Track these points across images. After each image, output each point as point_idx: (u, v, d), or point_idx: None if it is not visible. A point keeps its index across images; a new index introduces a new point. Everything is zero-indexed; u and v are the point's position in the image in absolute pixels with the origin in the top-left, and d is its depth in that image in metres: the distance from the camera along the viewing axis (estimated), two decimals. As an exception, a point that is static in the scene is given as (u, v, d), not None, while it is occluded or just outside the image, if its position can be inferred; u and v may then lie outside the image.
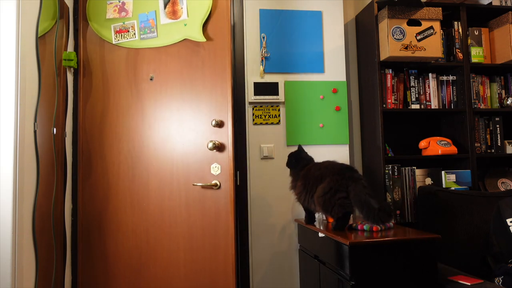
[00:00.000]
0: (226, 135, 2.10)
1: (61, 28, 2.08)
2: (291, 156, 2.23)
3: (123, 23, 2.21)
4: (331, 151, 2.55)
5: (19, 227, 1.70)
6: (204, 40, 2.12)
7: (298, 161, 2.18)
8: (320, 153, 2.53)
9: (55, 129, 2.00)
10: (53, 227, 1.96)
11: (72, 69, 2.17)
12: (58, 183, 2.01)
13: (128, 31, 2.20)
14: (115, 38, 2.22)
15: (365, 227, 1.88)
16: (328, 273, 1.90)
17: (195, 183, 2.10)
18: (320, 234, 1.98)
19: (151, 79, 2.18)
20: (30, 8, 1.85)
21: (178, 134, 2.16)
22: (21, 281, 1.71)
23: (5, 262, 1.66)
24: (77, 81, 2.20)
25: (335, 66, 2.60)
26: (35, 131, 1.83)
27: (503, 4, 2.67)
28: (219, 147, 2.07)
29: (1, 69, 1.72)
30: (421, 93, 2.57)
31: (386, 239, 1.72)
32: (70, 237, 2.13)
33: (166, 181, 2.15)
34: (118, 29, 2.22)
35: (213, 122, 2.08)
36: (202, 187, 2.10)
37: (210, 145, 2.03)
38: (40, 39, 1.90)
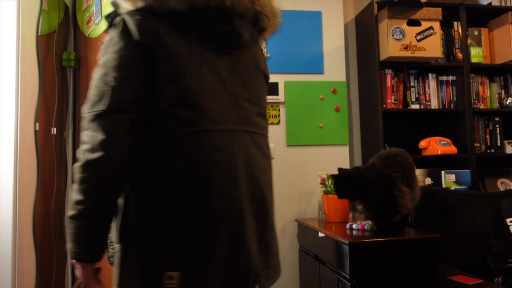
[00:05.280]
0: None
1: (62, 29, 2.08)
2: (340, 185, 1.74)
3: (89, 12, 1.98)
4: (331, 151, 2.55)
5: (19, 227, 1.70)
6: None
7: (358, 184, 1.68)
8: (320, 154, 2.53)
9: (55, 129, 2.00)
10: (53, 227, 1.96)
11: (72, 69, 2.17)
12: (58, 183, 2.01)
13: (91, 20, 1.94)
14: (87, 30, 2.02)
15: (365, 226, 1.88)
16: (328, 273, 1.91)
17: None
18: (320, 234, 1.98)
19: None
20: (30, 8, 1.85)
21: None
22: (22, 281, 1.71)
23: (6, 262, 1.66)
24: (76, 81, 2.20)
25: (335, 66, 2.60)
26: (35, 131, 1.83)
27: (503, 4, 2.67)
28: None
29: (1, 69, 1.72)
30: (421, 93, 2.57)
31: (386, 239, 1.72)
32: (70, 237, 2.13)
33: None
34: (87, 20, 1.99)
35: None
36: None
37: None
38: (41, 39, 1.90)
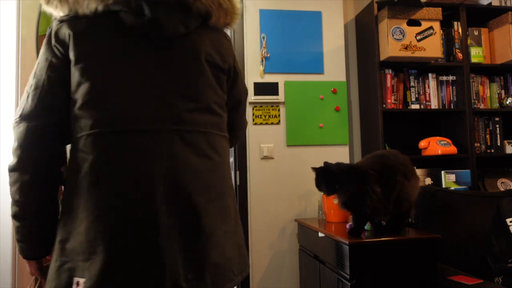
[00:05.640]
0: None
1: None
2: (322, 180, 1.74)
3: None
4: (331, 151, 2.55)
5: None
6: None
7: (334, 178, 1.68)
8: (320, 154, 2.53)
9: (55, 129, 2.00)
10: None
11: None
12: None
13: None
14: None
15: (365, 226, 1.88)
16: (328, 273, 1.91)
17: None
18: (320, 234, 1.98)
19: None
20: (30, 9, 1.85)
21: None
22: (22, 281, 1.71)
23: (6, 262, 1.66)
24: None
25: (335, 66, 2.60)
26: (35, 131, 1.83)
27: (503, 4, 2.67)
28: None
29: (1, 69, 1.72)
30: (421, 93, 2.57)
31: (386, 239, 1.72)
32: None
33: None
34: None
35: None
36: None
37: None
38: (41, 39, 1.90)
